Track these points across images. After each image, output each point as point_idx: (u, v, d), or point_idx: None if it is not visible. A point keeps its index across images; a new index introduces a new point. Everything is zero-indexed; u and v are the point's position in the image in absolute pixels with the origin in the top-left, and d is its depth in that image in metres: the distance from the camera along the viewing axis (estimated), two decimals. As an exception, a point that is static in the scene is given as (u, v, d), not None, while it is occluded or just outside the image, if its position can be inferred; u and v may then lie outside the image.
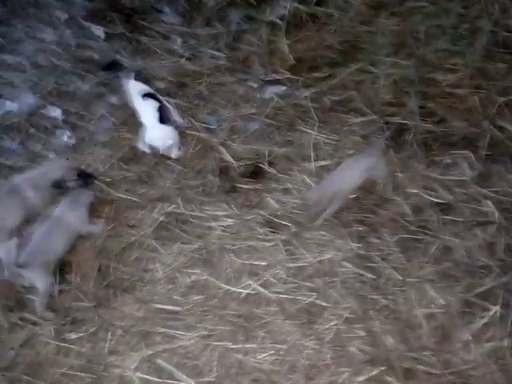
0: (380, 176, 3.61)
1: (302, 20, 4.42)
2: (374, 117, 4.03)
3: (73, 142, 4.18)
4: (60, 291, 3.34)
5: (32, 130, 4.26)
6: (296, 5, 4.33)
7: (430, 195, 3.64)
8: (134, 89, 4.11)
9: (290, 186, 3.76)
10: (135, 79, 4.21)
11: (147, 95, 4.04)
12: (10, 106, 4.43)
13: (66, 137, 4.21)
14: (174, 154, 3.98)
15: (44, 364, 3.04)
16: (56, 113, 4.35)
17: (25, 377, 2.98)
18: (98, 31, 5.00)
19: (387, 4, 4.52)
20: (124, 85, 4.20)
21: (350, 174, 3.52)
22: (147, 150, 3.98)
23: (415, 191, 3.67)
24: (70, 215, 3.42)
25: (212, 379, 2.94)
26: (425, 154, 3.88)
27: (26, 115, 4.37)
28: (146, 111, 3.97)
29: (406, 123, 4.04)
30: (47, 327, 3.18)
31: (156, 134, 3.93)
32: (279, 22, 4.36)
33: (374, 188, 3.67)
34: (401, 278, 3.22)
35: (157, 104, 3.98)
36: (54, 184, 3.55)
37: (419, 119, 4.05)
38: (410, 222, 3.51)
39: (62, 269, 3.42)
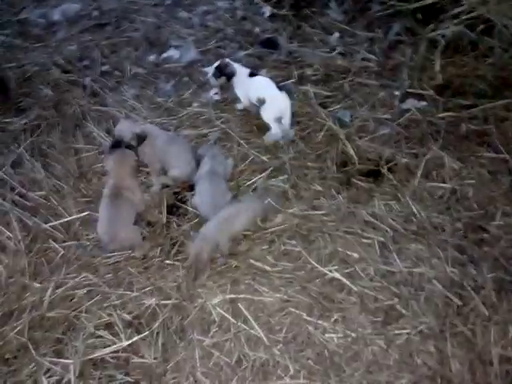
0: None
1: (463, 45, 4.43)
2: (507, 156, 3.96)
3: (217, 98, 4.59)
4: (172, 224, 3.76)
5: (186, 79, 4.77)
6: (461, 29, 4.32)
7: (542, 246, 3.52)
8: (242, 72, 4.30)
9: (402, 195, 3.80)
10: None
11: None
12: (174, 53, 5.00)
13: (212, 93, 4.63)
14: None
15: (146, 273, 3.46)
16: (210, 70, 4.79)
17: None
18: (265, 9, 5.42)
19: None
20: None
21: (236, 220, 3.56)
22: (269, 122, 4.20)
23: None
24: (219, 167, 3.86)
25: (279, 338, 3.12)
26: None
27: (185, 65, 4.92)
28: (266, 85, 4.19)
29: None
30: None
31: (282, 103, 4.15)
32: (440, 40, 4.38)
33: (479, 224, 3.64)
34: (486, 313, 3.17)
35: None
36: None
37: (553, 170, 3.92)
38: (513, 266, 3.45)
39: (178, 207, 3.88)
